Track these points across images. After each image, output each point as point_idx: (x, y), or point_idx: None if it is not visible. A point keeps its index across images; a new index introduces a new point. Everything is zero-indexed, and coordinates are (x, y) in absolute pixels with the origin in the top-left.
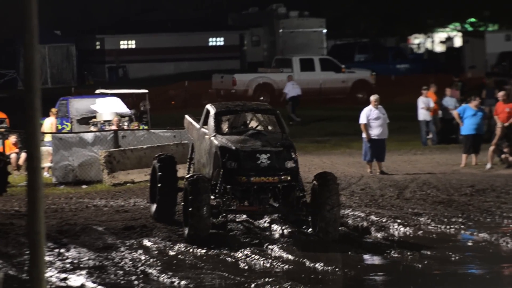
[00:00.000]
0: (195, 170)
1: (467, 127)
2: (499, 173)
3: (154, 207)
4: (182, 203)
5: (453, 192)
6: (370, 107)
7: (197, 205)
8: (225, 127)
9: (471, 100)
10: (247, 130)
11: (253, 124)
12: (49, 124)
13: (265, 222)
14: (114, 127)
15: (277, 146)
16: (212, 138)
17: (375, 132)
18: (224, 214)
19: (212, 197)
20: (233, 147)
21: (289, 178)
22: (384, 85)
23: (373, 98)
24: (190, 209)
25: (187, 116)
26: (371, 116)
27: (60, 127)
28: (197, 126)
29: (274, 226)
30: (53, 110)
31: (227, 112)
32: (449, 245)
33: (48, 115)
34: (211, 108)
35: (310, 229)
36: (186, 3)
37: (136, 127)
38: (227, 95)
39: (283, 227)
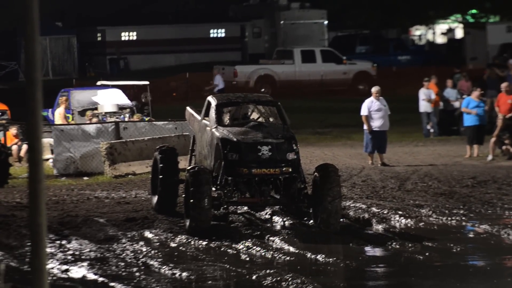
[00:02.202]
0: (196, 162)
1: (469, 118)
2: (500, 165)
3: (155, 199)
4: (183, 195)
5: (455, 184)
6: (371, 98)
7: (199, 196)
8: (226, 119)
9: (472, 91)
10: (248, 122)
11: (254, 116)
12: (57, 114)
13: (266, 214)
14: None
15: (278, 138)
16: (213, 130)
17: (376, 123)
18: (225, 206)
19: (214, 189)
20: (235, 139)
21: (290, 169)
22: (385, 77)
23: (374, 89)
24: (192, 200)
25: (188, 108)
26: (372, 108)
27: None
28: (199, 118)
29: (276, 218)
30: (61, 99)
31: (228, 103)
32: (451, 237)
33: (48, 107)
34: (212, 100)
35: (311, 221)
36: None
37: (138, 119)
38: (228, 86)
39: (285, 219)
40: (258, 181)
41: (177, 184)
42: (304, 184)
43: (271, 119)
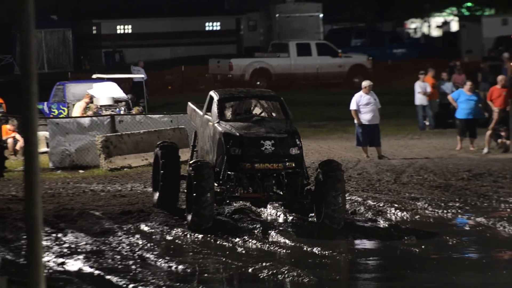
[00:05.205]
0: (198, 157)
1: (461, 111)
2: (496, 158)
3: (156, 195)
4: (185, 190)
5: (450, 177)
6: (360, 93)
7: (201, 191)
8: (228, 113)
9: (465, 85)
10: (251, 117)
11: (257, 110)
12: (77, 106)
13: (263, 207)
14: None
15: (281, 133)
16: (215, 124)
17: (365, 117)
18: (227, 201)
19: (216, 184)
20: (237, 134)
21: (293, 165)
22: (381, 70)
23: (364, 84)
24: (194, 195)
25: (190, 103)
26: (361, 102)
27: (57, 112)
28: (200, 113)
29: (272, 211)
30: (87, 95)
31: (230, 98)
32: (446, 230)
33: (44, 100)
34: (214, 95)
35: (313, 215)
36: None
37: (135, 112)
38: (224, 80)
39: (282, 212)
40: (261, 176)
41: (179, 179)
42: (307, 179)
43: (274, 114)
